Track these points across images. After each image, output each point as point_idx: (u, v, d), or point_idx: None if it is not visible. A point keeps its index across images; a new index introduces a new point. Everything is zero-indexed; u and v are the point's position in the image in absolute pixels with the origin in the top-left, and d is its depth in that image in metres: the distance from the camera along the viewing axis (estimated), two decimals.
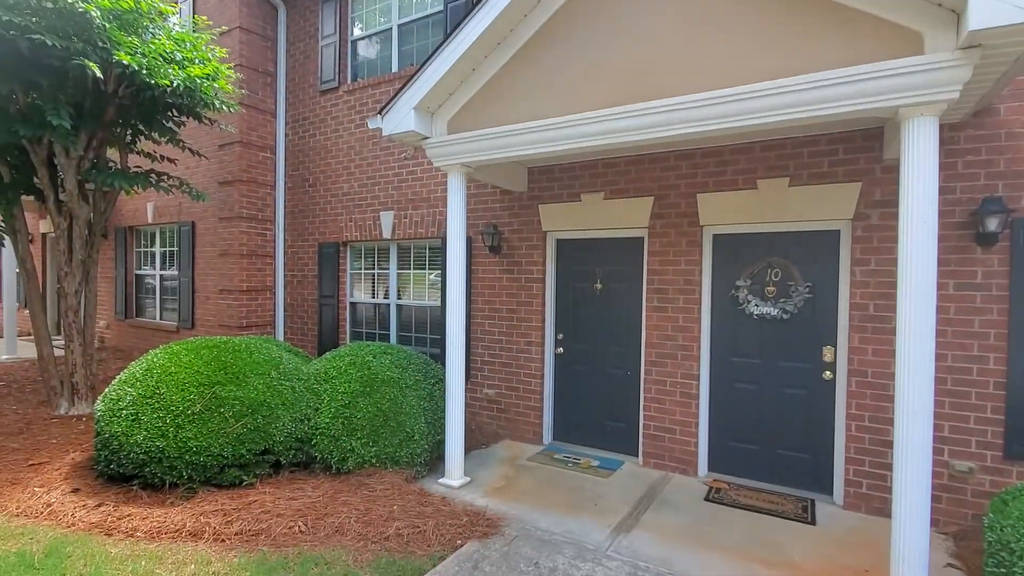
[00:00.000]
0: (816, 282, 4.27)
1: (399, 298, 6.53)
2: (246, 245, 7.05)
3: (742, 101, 3.12)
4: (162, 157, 6.23)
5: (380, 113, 4.28)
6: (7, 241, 6.14)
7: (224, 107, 5.56)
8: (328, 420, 4.48)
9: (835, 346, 4.20)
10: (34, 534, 3.45)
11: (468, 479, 4.51)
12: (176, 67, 4.90)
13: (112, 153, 6.36)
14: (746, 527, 3.79)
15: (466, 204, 4.40)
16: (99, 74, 4.40)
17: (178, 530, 3.51)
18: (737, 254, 4.56)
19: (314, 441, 4.45)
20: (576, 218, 5.14)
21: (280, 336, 7.37)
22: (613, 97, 3.57)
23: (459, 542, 3.51)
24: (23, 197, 5.83)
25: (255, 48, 7.08)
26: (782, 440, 4.42)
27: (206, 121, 5.87)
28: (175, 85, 4.96)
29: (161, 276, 8.43)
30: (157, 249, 8.51)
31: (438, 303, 6.16)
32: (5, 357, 8.79)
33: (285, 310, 7.38)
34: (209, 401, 4.07)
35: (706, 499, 4.25)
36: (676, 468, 4.69)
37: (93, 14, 4.30)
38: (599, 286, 5.23)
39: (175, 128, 5.88)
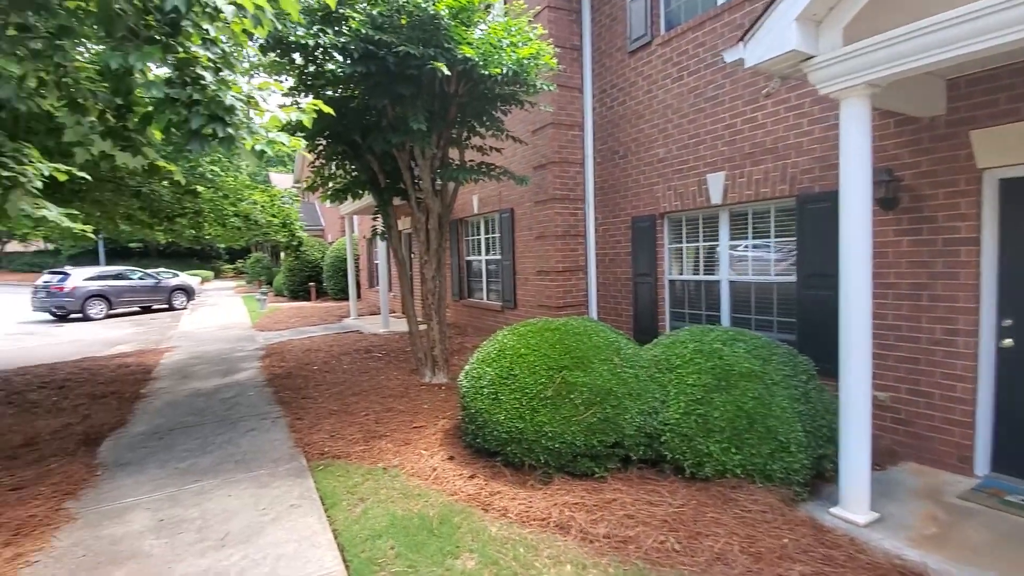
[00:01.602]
0: None
1: (732, 273, 5.57)
2: (560, 226, 7.08)
3: None
4: (490, 148, 6.63)
5: (743, 39, 3.39)
6: (381, 236, 7.40)
7: (544, 87, 5.48)
8: (678, 416, 3.90)
9: None
10: (427, 498, 3.78)
11: (876, 515, 3.34)
12: (507, 51, 4.94)
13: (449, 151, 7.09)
14: None
15: (871, 140, 3.17)
16: (447, 72, 4.66)
17: (544, 519, 3.39)
18: None
19: (663, 438, 3.93)
20: None
21: (593, 316, 7.25)
22: None
23: None
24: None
25: (561, 24, 6.96)
26: None
27: (528, 106, 5.94)
28: (505, 71, 5.02)
29: (486, 261, 9.33)
30: (482, 236, 9.45)
31: (791, 278, 4.97)
32: (382, 331, 11.10)
33: (597, 290, 7.20)
34: (559, 386, 3.92)
35: None
36: None
37: (443, 13, 4.55)
38: None
39: (502, 116, 6.13)
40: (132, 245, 39.92)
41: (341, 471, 4.28)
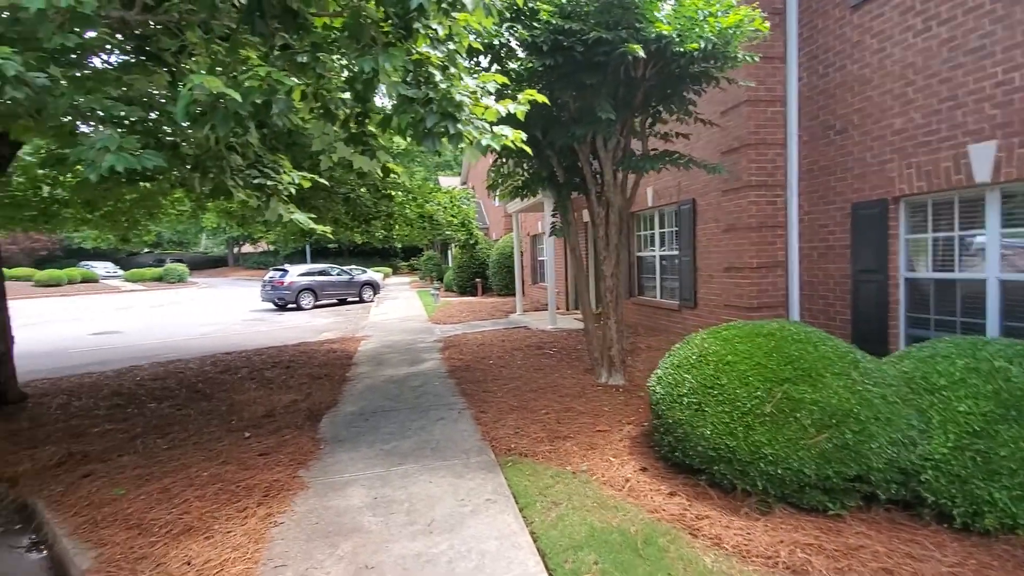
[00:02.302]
0: None
1: (1005, 270, 4.37)
2: (755, 217, 6.30)
3: None
4: (676, 135, 6.15)
5: None
6: (559, 233, 7.31)
7: (747, 58, 4.85)
8: (945, 451, 3.11)
9: None
10: (625, 511, 3.53)
11: None
12: (710, 22, 4.44)
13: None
14: None
15: None
16: (641, 54, 4.34)
17: (770, 557, 2.92)
18: None
19: (923, 476, 3.17)
20: None
21: (795, 319, 6.34)
22: None
23: None
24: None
25: None
26: None
27: (724, 83, 5.34)
28: (703, 46, 4.54)
29: (660, 256, 8.79)
30: (656, 231, 8.92)
31: None
32: (549, 327, 11.15)
33: (801, 289, 6.27)
34: (780, 402, 3.38)
35: None
36: None
37: None
38: None
39: (694, 98, 5.61)
40: (330, 245, 46.57)
41: (530, 470, 4.23)
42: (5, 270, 6.51)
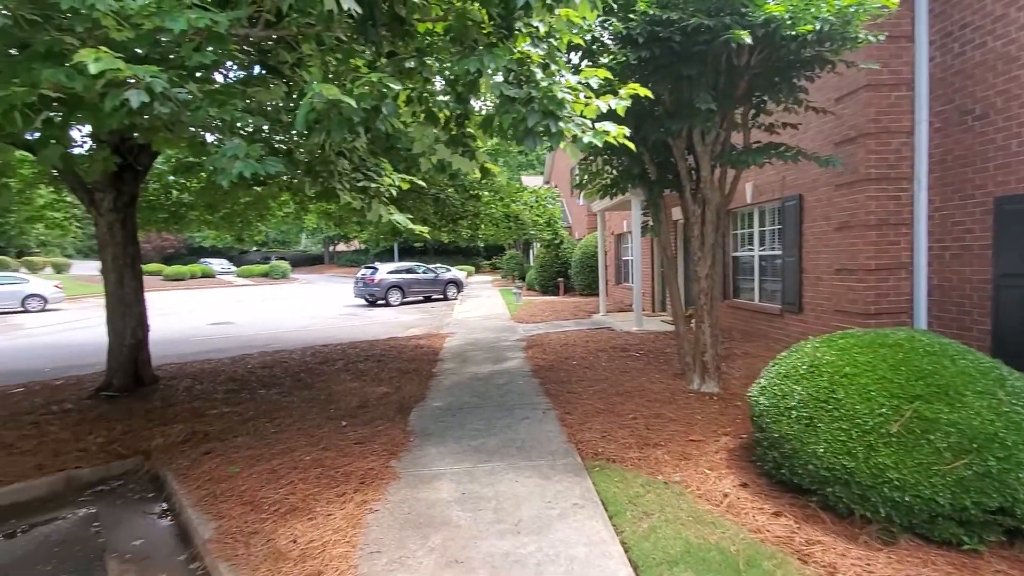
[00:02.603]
0: None
1: None
2: (874, 213, 5.70)
3: None
4: (783, 125, 5.71)
5: None
6: (652, 232, 7.06)
7: (871, 39, 4.39)
8: None
9: None
10: (723, 529, 3.31)
11: None
12: (828, 1, 4.07)
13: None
14: None
15: None
16: (748, 41, 4.05)
17: None
18: None
19: None
20: None
21: (921, 327, 5.66)
22: None
23: None
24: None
25: None
26: None
27: (840, 67, 4.88)
28: (819, 28, 4.16)
29: (759, 256, 8.23)
30: (755, 229, 8.37)
31: None
32: (635, 329, 10.83)
33: (929, 294, 5.59)
34: (909, 422, 3.02)
35: None
36: None
37: None
38: None
39: (806, 84, 5.17)
40: (416, 244, 48.51)
41: (618, 477, 4.10)
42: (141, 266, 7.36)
